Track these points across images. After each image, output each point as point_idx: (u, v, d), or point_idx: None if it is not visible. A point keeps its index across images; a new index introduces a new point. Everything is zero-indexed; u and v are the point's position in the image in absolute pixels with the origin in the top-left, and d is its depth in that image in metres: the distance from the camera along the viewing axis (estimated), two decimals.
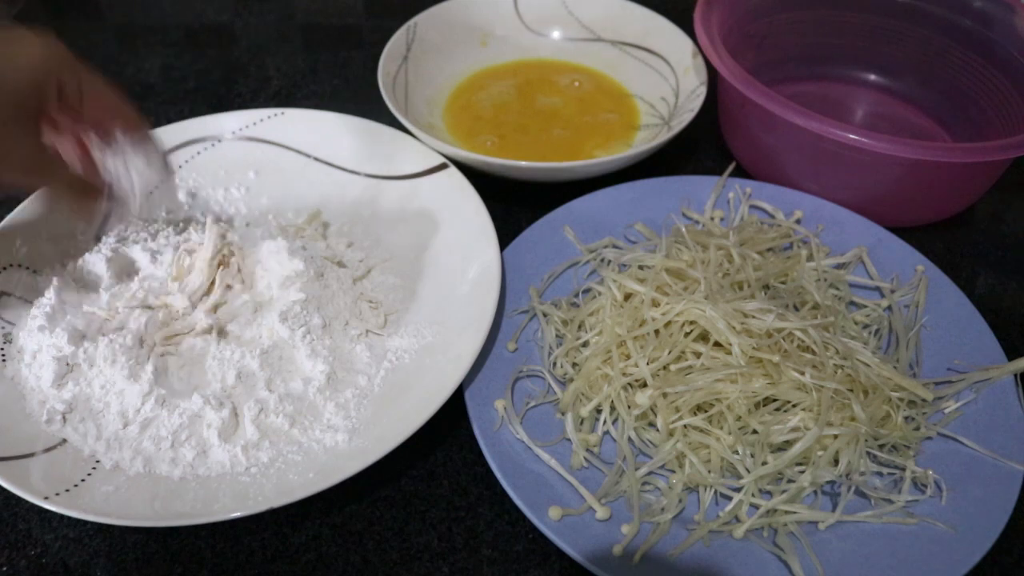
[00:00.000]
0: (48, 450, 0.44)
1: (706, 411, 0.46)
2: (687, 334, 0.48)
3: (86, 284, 0.52)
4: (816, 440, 0.43)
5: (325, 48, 0.80)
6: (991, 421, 0.46)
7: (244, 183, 0.61)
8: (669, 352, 0.47)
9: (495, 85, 0.73)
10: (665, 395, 0.46)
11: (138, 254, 0.52)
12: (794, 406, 0.45)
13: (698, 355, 0.47)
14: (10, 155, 0.40)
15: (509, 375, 0.48)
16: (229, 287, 0.50)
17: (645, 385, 0.47)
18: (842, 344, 0.47)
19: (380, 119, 0.61)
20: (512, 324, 0.51)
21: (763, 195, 0.60)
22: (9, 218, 0.53)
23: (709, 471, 0.44)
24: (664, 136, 0.60)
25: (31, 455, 0.43)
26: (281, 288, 0.49)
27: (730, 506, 0.43)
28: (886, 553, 0.41)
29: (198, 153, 0.60)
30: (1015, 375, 0.48)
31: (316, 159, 0.61)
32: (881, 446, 0.45)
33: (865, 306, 0.54)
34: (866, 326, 0.53)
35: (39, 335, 0.47)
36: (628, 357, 0.48)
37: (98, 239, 0.55)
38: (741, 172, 0.65)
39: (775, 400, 0.46)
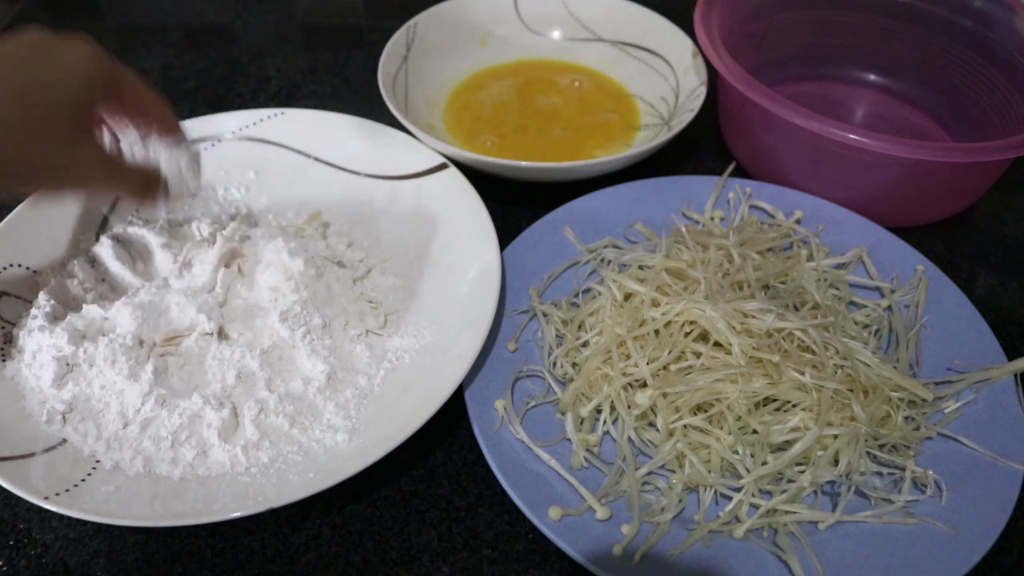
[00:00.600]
0: (48, 450, 0.44)
1: (706, 411, 0.46)
2: (687, 334, 0.48)
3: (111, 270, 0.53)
4: (816, 440, 0.43)
5: (325, 48, 0.80)
6: (991, 421, 0.46)
7: (244, 183, 0.61)
8: (669, 352, 0.47)
9: (495, 85, 0.73)
10: (665, 395, 0.46)
11: (148, 235, 0.53)
12: (794, 406, 0.45)
13: (698, 355, 0.47)
14: (87, 164, 0.41)
15: (509, 375, 0.48)
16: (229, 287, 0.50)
17: (645, 385, 0.47)
18: (842, 344, 0.47)
19: (380, 119, 0.61)
20: (512, 324, 0.51)
21: (763, 195, 0.60)
22: (9, 218, 0.53)
23: (709, 471, 0.44)
24: (664, 136, 0.60)
25: (31, 455, 0.43)
26: (281, 288, 0.49)
27: (730, 506, 0.43)
28: (886, 553, 0.41)
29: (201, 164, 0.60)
30: (1015, 375, 0.48)
31: (316, 159, 0.61)
32: (881, 446, 0.45)
33: (865, 306, 0.54)
34: (866, 326, 0.53)
35: (39, 335, 0.47)
36: (628, 357, 0.48)
37: (102, 231, 0.55)
38: (741, 172, 0.65)
39: (775, 400, 0.46)
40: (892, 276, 0.55)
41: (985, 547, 0.41)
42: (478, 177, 0.58)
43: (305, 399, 0.47)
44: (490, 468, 0.45)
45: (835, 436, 0.44)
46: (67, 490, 0.42)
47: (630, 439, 0.46)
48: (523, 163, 0.58)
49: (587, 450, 0.46)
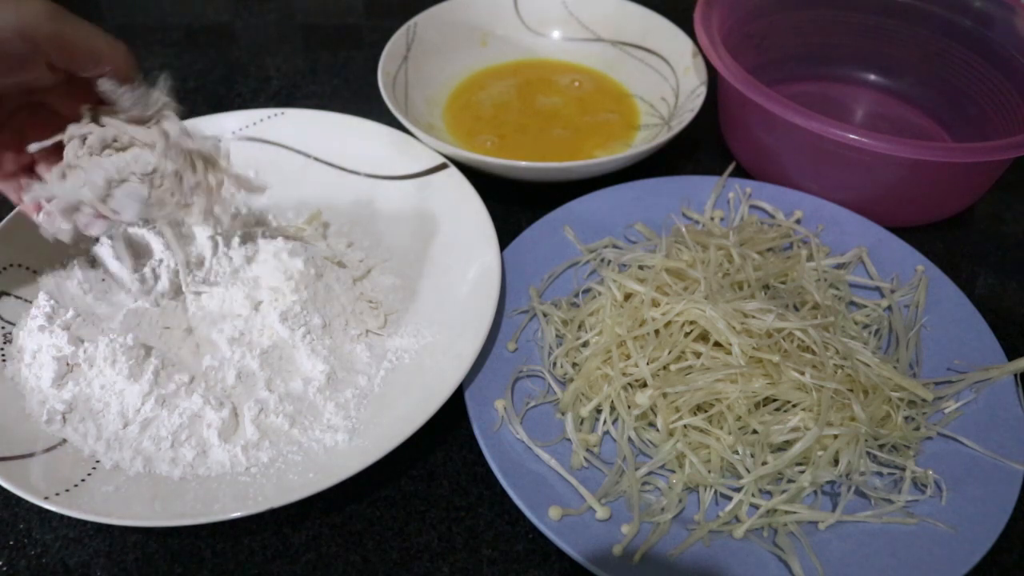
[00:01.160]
0: (48, 450, 0.44)
1: (706, 411, 0.46)
2: (687, 334, 0.48)
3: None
4: (816, 440, 0.43)
5: (325, 48, 0.80)
6: (991, 421, 0.46)
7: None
8: (669, 352, 0.47)
9: (495, 85, 0.73)
10: (665, 395, 0.46)
11: (149, 235, 0.52)
12: (794, 406, 0.45)
13: (698, 355, 0.47)
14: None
15: (509, 375, 0.48)
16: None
17: (645, 385, 0.47)
18: (842, 344, 0.47)
19: (380, 119, 0.61)
20: (512, 324, 0.51)
21: (763, 195, 0.60)
22: (9, 218, 0.53)
23: (709, 471, 0.44)
24: (664, 136, 0.60)
25: (31, 455, 0.43)
26: (281, 288, 0.49)
27: (730, 506, 0.43)
28: (886, 553, 0.41)
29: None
30: (1015, 375, 0.48)
31: (316, 159, 0.61)
32: (881, 446, 0.45)
33: (865, 306, 0.54)
34: (866, 326, 0.53)
35: (39, 335, 0.47)
36: (628, 357, 0.48)
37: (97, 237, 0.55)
38: (741, 172, 0.65)
39: (775, 400, 0.46)
40: (892, 276, 0.55)
41: (985, 547, 0.41)
42: (478, 177, 0.58)
43: (305, 399, 0.47)
44: (490, 468, 0.45)
45: (835, 436, 0.44)
46: (67, 490, 0.42)
47: (630, 439, 0.46)
48: (523, 163, 0.58)
49: (587, 450, 0.46)
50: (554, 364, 0.50)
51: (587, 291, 0.54)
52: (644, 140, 0.67)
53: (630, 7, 0.73)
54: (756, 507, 0.43)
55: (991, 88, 0.65)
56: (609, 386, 0.47)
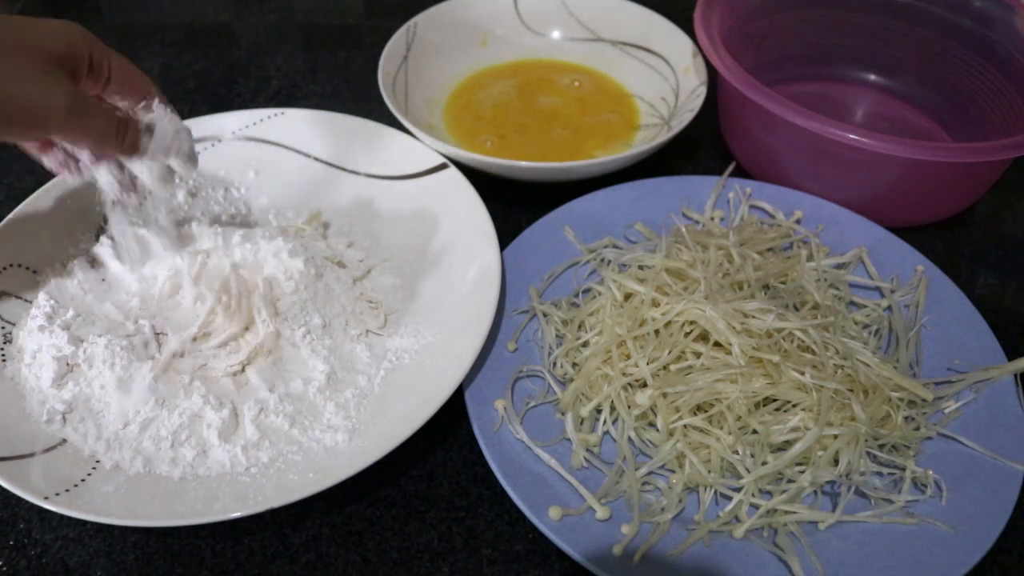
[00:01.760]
0: (48, 450, 0.44)
1: (706, 411, 0.46)
2: (687, 334, 0.48)
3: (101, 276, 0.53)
4: (816, 440, 0.43)
5: (325, 48, 0.80)
6: (991, 421, 0.46)
7: (244, 183, 0.61)
8: (669, 352, 0.47)
9: (495, 85, 0.73)
10: (665, 395, 0.46)
11: (148, 235, 0.52)
12: (794, 406, 0.45)
13: (698, 355, 0.47)
14: (52, 97, 0.40)
15: (509, 375, 0.48)
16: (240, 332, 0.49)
17: (645, 385, 0.47)
18: (842, 344, 0.47)
19: (380, 119, 0.61)
20: (512, 324, 0.51)
21: (763, 195, 0.60)
22: (9, 218, 0.53)
23: (709, 471, 0.44)
24: (664, 136, 0.60)
25: (31, 455, 0.43)
26: (281, 288, 0.49)
27: (730, 506, 0.43)
28: (886, 553, 0.41)
29: (198, 153, 0.60)
30: (1015, 375, 0.48)
31: (316, 159, 0.61)
32: (881, 446, 0.45)
33: (865, 306, 0.54)
34: (866, 326, 0.53)
35: (39, 335, 0.47)
36: (628, 357, 0.48)
37: (102, 231, 0.55)
38: (741, 172, 0.65)
39: (775, 400, 0.46)
40: (892, 276, 0.55)
41: (985, 547, 0.41)
42: (478, 177, 0.58)
43: (305, 399, 0.47)
44: (490, 468, 0.45)
45: (835, 436, 0.44)
46: (67, 490, 0.42)
47: (630, 439, 0.46)
48: (523, 163, 0.58)
49: (587, 450, 0.46)
50: (554, 364, 0.50)
51: (587, 291, 0.54)
52: (644, 140, 0.67)
53: (630, 7, 0.73)
54: (756, 507, 0.43)
55: (991, 88, 0.65)
56: (609, 386, 0.47)
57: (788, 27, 0.71)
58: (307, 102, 0.74)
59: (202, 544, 0.44)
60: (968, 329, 0.51)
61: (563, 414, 0.47)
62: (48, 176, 0.56)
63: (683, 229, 0.55)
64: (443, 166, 0.58)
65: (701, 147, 0.69)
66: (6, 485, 0.41)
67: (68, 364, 0.47)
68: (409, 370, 0.49)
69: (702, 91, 0.64)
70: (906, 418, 0.47)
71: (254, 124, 0.62)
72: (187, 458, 0.44)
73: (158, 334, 0.48)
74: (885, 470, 0.45)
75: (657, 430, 0.46)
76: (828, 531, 0.42)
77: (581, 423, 0.47)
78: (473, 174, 0.58)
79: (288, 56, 0.79)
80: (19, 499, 0.44)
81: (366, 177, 0.60)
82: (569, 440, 0.46)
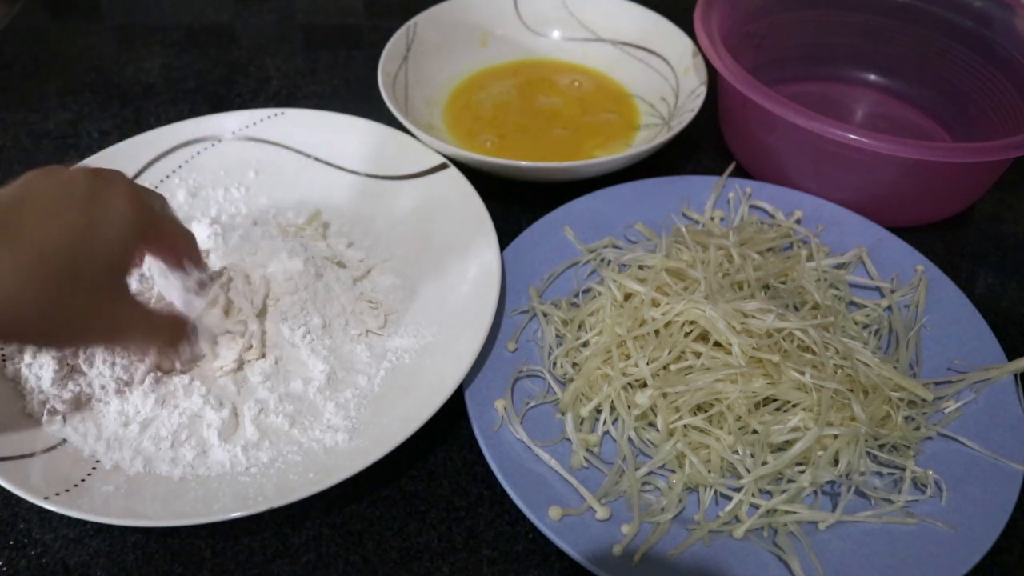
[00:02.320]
0: (48, 450, 0.44)
1: (706, 411, 0.46)
2: (687, 334, 0.48)
3: None
4: (816, 440, 0.43)
5: (325, 48, 0.80)
6: (991, 421, 0.46)
7: (244, 183, 0.61)
8: (669, 352, 0.47)
9: (495, 85, 0.73)
10: (665, 395, 0.46)
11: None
12: (794, 406, 0.45)
13: (698, 355, 0.47)
14: (125, 322, 0.40)
15: (509, 375, 0.48)
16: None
17: (645, 385, 0.47)
18: (842, 344, 0.47)
19: (380, 119, 0.61)
20: (512, 324, 0.51)
21: (763, 195, 0.60)
22: None
23: (709, 471, 0.44)
24: (664, 136, 0.60)
25: (31, 455, 0.43)
26: (281, 288, 0.49)
27: (730, 506, 0.43)
28: (886, 553, 0.41)
29: (198, 153, 0.60)
30: (1015, 375, 0.48)
31: (316, 159, 0.61)
32: (881, 446, 0.45)
33: (865, 306, 0.54)
34: (866, 326, 0.53)
35: None
36: (628, 357, 0.48)
37: None
38: (741, 172, 0.65)
39: (775, 400, 0.46)
40: (892, 276, 0.55)
41: (985, 547, 0.41)
42: (478, 177, 0.58)
43: (305, 399, 0.47)
44: (490, 468, 0.44)
45: (835, 436, 0.44)
46: (67, 490, 0.42)
47: (630, 439, 0.46)
48: (523, 163, 0.58)
49: (587, 450, 0.46)
50: (554, 364, 0.50)
51: (587, 291, 0.54)
52: (644, 140, 0.67)
53: (630, 7, 0.73)
54: (756, 507, 0.43)
55: (991, 88, 0.65)
56: (609, 386, 0.47)
57: (788, 27, 0.71)
58: (307, 102, 0.74)
59: (202, 544, 0.44)
60: (968, 329, 0.51)
61: (563, 414, 0.47)
62: None
63: (683, 229, 0.55)
64: (443, 166, 0.58)
65: (701, 147, 0.69)
66: (6, 485, 0.41)
67: (68, 364, 0.47)
68: (409, 370, 0.49)
69: (702, 91, 0.64)
70: (906, 418, 0.47)
71: (254, 124, 0.62)
72: (187, 458, 0.44)
73: None
74: (885, 470, 0.45)
75: (657, 430, 0.46)
76: (828, 531, 0.42)
77: (581, 423, 0.47)
78: (473, 174, 0.58)
79: (288, 56, 0.79)
80: (19, 499, 0.44)
81: (366, 177, 0.60)
82: (569, 440, 0.46)
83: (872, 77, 0.73)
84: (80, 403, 0.46)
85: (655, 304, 0.49)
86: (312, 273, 0.50)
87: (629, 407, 0.46)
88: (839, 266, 0.56)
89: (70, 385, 0.46)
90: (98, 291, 0.37)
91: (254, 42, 0.81)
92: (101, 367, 0.46)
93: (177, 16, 0.85)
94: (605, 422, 0.47)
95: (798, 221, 0.58)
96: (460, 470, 0.48)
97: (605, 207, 0.58)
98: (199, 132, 0.61)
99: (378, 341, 0.51)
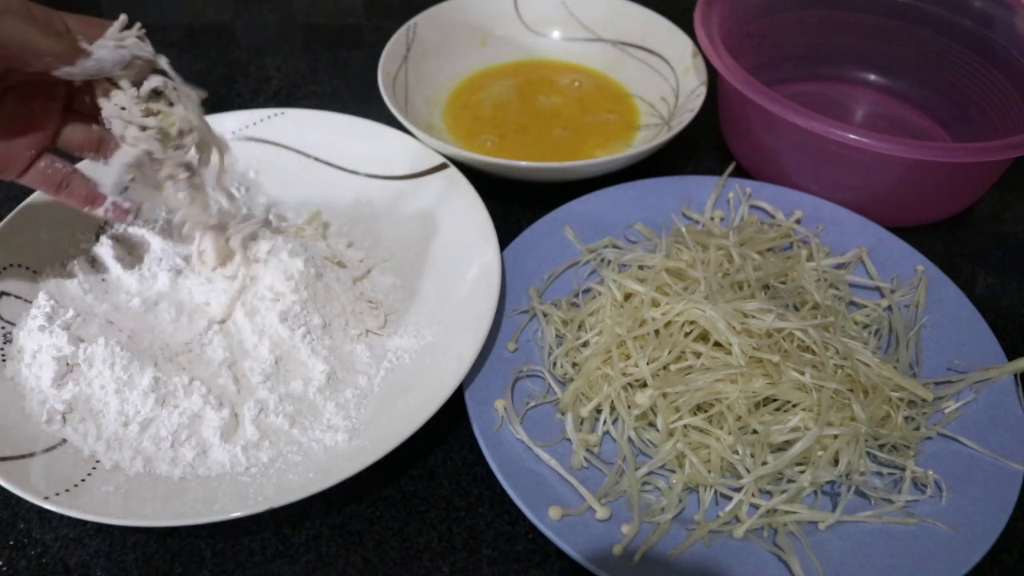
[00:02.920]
0: (48, 450, 0.44)
1: (706, 411, 0.46)
2: (687, 334, 0.48)
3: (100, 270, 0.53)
4: (816, 440, 0.43)
5: (325, 48, 0.80)
6: (991, 421, 0.46)
7: (244, 183, 0.61)
8: (669, 352, 0.47)
9: (495, 85, 0.73)
10: (665, 395, 0.46)
11: (148, 235, 0.52)
12: (794, 406, 0.45)
13: (698, 355, 0.47)
14: None
15: (509, 375, 0.48)
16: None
17: (645, 385, 0.47)
18: (842, 344, 0.47)
19: (380, 119, 0.61)
20: (512, 324, 0.51)
21: (763, 195, 0.60)
22: (9, 218, 0.53)
23: (709, 471, 0.44)
24: (664, 136, 0.60)
25: (31, 455, 0.43)
26: (281, 288, 0.49)
27: (730, 506, 0.43)
28: (886, 553, 0.41)
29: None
30: (1015, 375, 0.48)
31: (316, 159, 0.61)
32: (881, 446, 0.45)
33: (865, 306, 0.54)
34: (866, 326, 0.53)
35: (39, 335, 0.47)
36: (628, 357, 0.48)
37: (102, 231, 0.55)
38: (741, 172, 0.65)
39: (775, 400, 0.46)
40: (892, 276, 0.55)
41: (985, 547, 0.41)
42: (478, 177, 0.58)
43: (305, 399, 0.47)
44: (490, 468, 0.44)
45: (835, 436, 0.44)
46: (67, 490, 0.42)
47: (630, 439, 0.46)
48: (523, 163, 0.58)
49: (587, 450, 0.46)
50: (554, 364, 0.50)
51: (587, 291, 0.54)
52: (644, 140, 0.67)
53: (630, 7, 0.73)
54: (756, 507, 0.43)
55: (991, 88, 0.65)
56: (609, 386, 0.47)
57: (788, 27, 0.71)
58: (307, 102, 0.74)
59: (202, 544, 0.44)
60: (968, 329, 0.51)
61: (563, 414, 0.47)
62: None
63: (683, 229, 0.55)
64: (443, 166, 0.58)
65: (701, 147, 0.70)
66: (6, 485, 0.41)
67: (68, 364, 0.47)
68: (409, 370, 0.49)
69: (702, 91, 0.64)
70: (906, 418, 0.47)
71: (254, 124, 0.62)
72: (187, 458, 0.44)
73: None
74: (885, 470, 0.45)
75: (657, 430, 0.46)
76: (828, 531, 0.42)
77: (581, 423, 0.47)
78: (473, 174, 0.58)
79: (288, 56, 0.79)
80: (19, 499, 0.44)
81: (366, 177, 0.60)
82: (569, 440, 0.46)
83: (872, 77, 0.73)
84: (80, 403, 0.46)
85: (655, 304, 0.49)
86: (312, 273, 0.50)
87: (629, 407, 0.46)
88: (839, 266, 0.56)
89: (70, 385, 0.46)
90: None
91: (254, 42, 0.81)
92: (101, 367, 0.46)
93: (177, 16, 0.85)
94: (605, 422, 0.47)
95: (798, 221, 0.58)
96: (460, 470, 0.48)
97: (605, 207, 0.58)
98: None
99: (378, 341, 0.51)
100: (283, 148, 0.61)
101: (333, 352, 0.49)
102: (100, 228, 0.56)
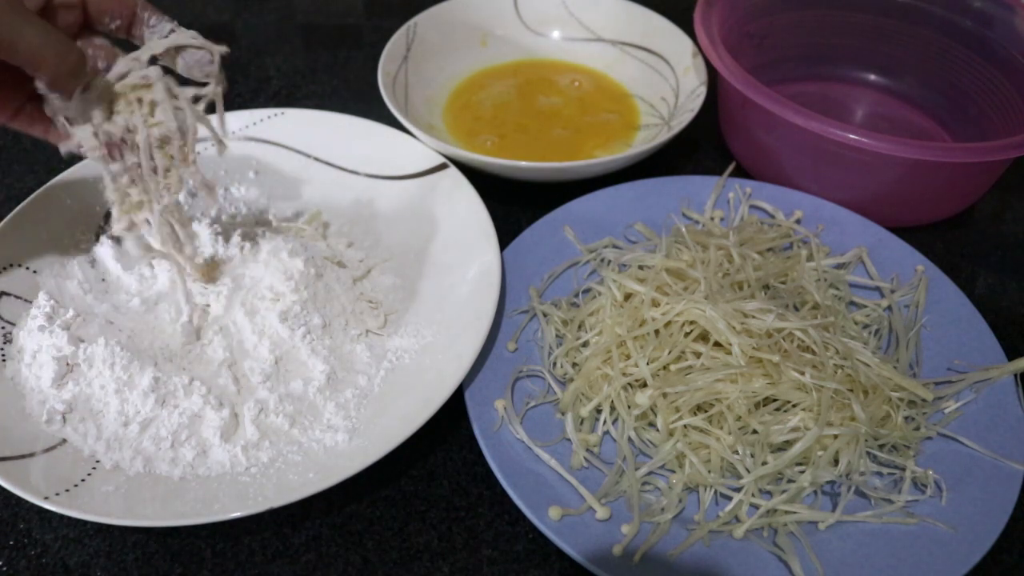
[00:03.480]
0: (48, 450, 0.44)
1: (706, 411, 0.46)
2: (687, 334, 0.48)
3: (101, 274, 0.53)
4: (816, 440, 0.43)
5: (325, 48, 0.80)
6: (991, 421, 0.46)
7: (244, 183, 0.61)
8: (669, 352, 0.47)
9: (495, 85, 0.73)
10: (665, 395, 0.46)
11: (148, 235, 0.52)
12: (794, 406, 0.45)
13: (698, 355, 0.47)
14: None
15: (509, 375, 0.48)
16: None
17: (645, 385, 0.47)
18: (842, 344, 0.47)
19: (380, 119, 0.61)
20: (512, 324, 0.51)
21: (763, 195, 0.60)
22: (9, 218, 0.53)
23: (709, 471, 0.44)
24: (664, 136, 0.60)
25: (31, 455, 0.43)
26: (281, 288, 0.49)
27: (730, 506, 0.43)
28: (886, 553, 0.41)
29: (198, 153, 0.60)
30: (1015, 375, 0.48)
31: (316, 159, 0.61)
32: (881, 446, 0.45)
33: (865, 306, 0.54)
34: (866, 326, 0.53)
35: (39, 335, 0.47)
36: (628, 357, 0.48)
37: (102, 231, 0.55)
38: (741, 172, 0.65)
39: (775, 400, 0.46)
40: (892, 276, 0.55)
41: (985, 547, 0.41)
42: (478, 177, 0.58)
43: (305, 399, 0.47)
44: (490, 468, 0.45)
45: (835, 436, 0.44)
46: (67, 490, 0.42)
47: (630, 439, 0.46)
48: (523, 163, 0.58)
49: (587, 450, 0.46)
50: (554, 364, 0.50)
51: (587, 291, 0.54)
52: (644, 140, 0.67)
53: (630, 7, 0.73)
54: (756, 507, 0.43)
55: (991, 88, 0.65)
56: (609, 386, 0.47)
57: (788, 27, 0.71)
58: (307, 102, 0.74)
59: (202, 544, 0.44)
60: (968, 329, 0.51)
61: (563, 414, 0.47)
62: (48, 176, 0.56)
63: (683, 229, 0.55)
64: (443, 166, 0.58)
65: (701, 147, 0.69)
66: (6, 485, 0.41)
67: (68, 364, 0.47)
68: (409, 370, 0.49)
69: (702, 91, 0.64)
70: (906, 418, 0.47)
71: (254, 124, 0.62)
72: (187, 458, 0.44)
73: None
74: (885, 470, 0.45)
75: (657, 430, 0.46)
76: (828, 531, 0.42)
77: (581, 423, 0.47)
78: (473, 174, 0.58)
79: (288, 56, 0.79)
80: (19, 499, 0.44)
81: (366, 177, 0.60)
82: (569, 440, 0.46)
83: (872, 77, 0.73)
84: (80, 403, 0.46)
85: (655, 304, 0.49)
86: (312, 273, 0.50)
87: (629, 407, 0.46)
88: (839, 266, 0.56)
89: (70, 385, 0.46)
90: None
91: (254, 42, 0.81)
92: (101, 367, 0.46)
93: (177, 16, 0.84)
94: (605, 422, 0.47)
95: (798, 221, 0.58)
96: (460, 470, 0.48)
97: (605, 207, 0.58)
98: (199, 132, 0.60)
99: (378, 341, 0.51)
100: (283, 148, 0.61)
101: (333, 352, 0.49)
102: (100, 228, 0.56)
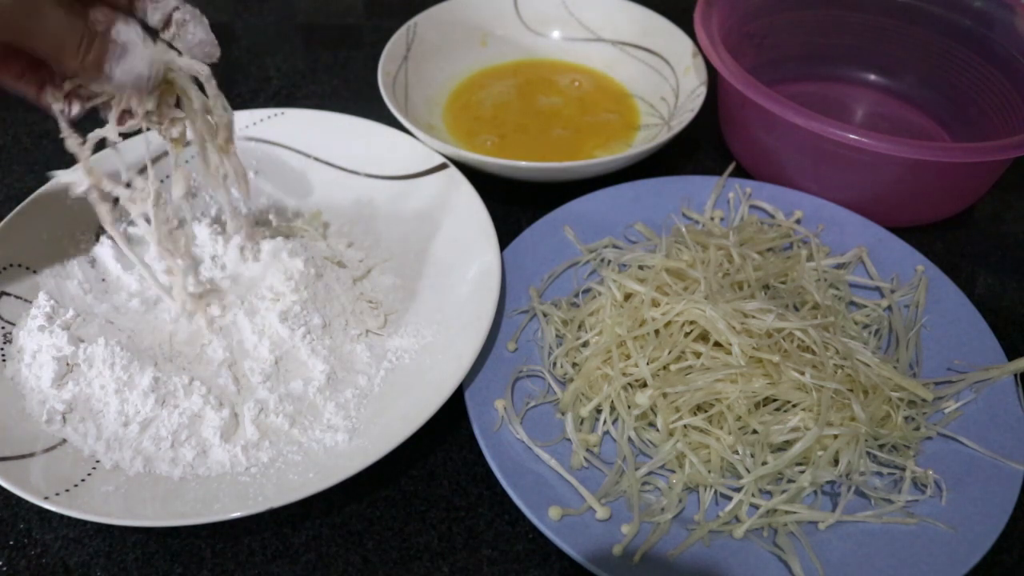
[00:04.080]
0: (48, 450, 0.44)
1: (706, 411, 0.46)
2: (687, 334, 0.48)
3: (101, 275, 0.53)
4: (816, 440, 0.43)
5: (325, 48, 0.80)
6: (991, 421, 0.46)
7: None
8: (669, 352, 0.47)
9: (495, 85, 0.73)
10: (665, 395, 0.46)
11: (148, 236, 0.52)
12: (794, 406, 0.45)
13: (698, 355, 0.47)
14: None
15: (509, 375, 0.48)
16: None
17: (645, 385, 0.47)
18: (842, 344, 0.47)
19: (380, 119, 0.61)
20: (512, 324, 0.51)
21: (763, 195, 0.60)
22: (9, 218, 0.53)
23: (709, 471, 0.44)
24: (664, 136, 0.60)
25: (31, 455, 0.43)
26: (281, 288, 0.49)
27: (730, 506, 0.43)
28: (886, 553, 0.41)
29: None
30: (1015, 375, 0.48)
31: (316, 159, 0.61)
32: (881, 446, 0.45)
33: (865, 306, 0.54)
34: (866, 326, 0.53)
35: (39, 335, 0.47)
36: (628, 357, 0.48)
37: (102, 231, 0.55)
38: (741, 172, 0.65)
39: (775, 400, 0.46)
40: (892, 276, 0.55)
41: (985, 547, 0.41)
42: (478, 177, 0.58)
43: (305, 399, 0.47)
44: (490, 468, 0.45)
45: (835, 436, 0.44)
46: (67, 490, 0.42)
47: (630, 439, 0.46)
48: (523, 163, 0.58)
49: (587, 450, 0.46)
50: (554, 364, 0.50)
51: (587, 291, 0.54)
52: (644, 140, 0.67)
53: (630, 7, 0.73)
54: (756, 507, 0.43)
55: (991, 88, 0.65)
56: (609, 386, 0.47)
57: (788, 27, 0.71)
58: (307, 102, 0.74)
59: (202, 544, 0.44)
60: (968, 329, 0.51)
61: (563, 414, 0.47)
62: (48, 176, 0.56)
63: (683, 229, 0.55)
64: (443, 166, 0.58)
65: (701, 147, 0.69)
66: (6, 485, 0.41)
67: (68, 364, 0.47)
68: (409, 370, 0.49)
69: (702, 91, 0.64)
70: (906, 418, 0.47)
71: (254, 124, 0.62)
72: (187, 458, 0.44)
73: None
74: (885, 470, 0.45)
75: (657, 430, 0.46)
76: (828, 531, 0.42)
77: (581, 423, 0.47)
78: (473, 174, 0.58)
79: (288, 56, 0.79)
80: (19, 499, 0.44)
81: (366, 177, 0.60)
82: (569, 440, 0.46)
83: (872, 77, 0.73)
84: (80, 403, 0.46)
85: (655, 304, 0.49)
86: (312, 273, 0.50)
87: (629, 407, 0.46)
88: (839, 266, 0.56)
89: (70, 385, 0.46)
90: None
91: (254, 42, 0.81)
92: (101, 367, 0.46)
93: None
94: (605, 422, 0.47)
95: (798, 221, 0.58)
96: (460, 470, 0.48)
97: (605, 207, 0.58)
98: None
99: (378, 341, 0.51)
100: (283, 148, 0.61)
101: (333, 352, 0.49)
102: (100, 228, 0.56)
